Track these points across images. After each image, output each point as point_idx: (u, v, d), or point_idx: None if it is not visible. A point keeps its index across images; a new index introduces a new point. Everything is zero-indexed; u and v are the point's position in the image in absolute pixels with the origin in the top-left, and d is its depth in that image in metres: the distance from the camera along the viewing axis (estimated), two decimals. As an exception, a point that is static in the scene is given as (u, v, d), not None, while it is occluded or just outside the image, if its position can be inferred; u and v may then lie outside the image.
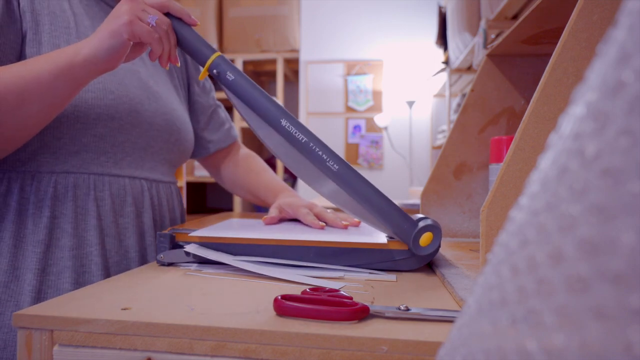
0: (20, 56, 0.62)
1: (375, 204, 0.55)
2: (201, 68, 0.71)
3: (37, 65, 0.55)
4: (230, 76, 0.58)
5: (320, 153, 0.55)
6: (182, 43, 0.61)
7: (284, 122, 0.56)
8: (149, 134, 0.73)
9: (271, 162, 3.40)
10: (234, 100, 0.58)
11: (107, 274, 0.67)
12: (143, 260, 0.73)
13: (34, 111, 0.56)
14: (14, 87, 0.54)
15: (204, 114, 0.93)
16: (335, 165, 0.55)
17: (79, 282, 0.65)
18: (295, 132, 0.56)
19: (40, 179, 0.64)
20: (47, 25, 0.64)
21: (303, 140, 0.56)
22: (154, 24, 0.57)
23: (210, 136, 0.94)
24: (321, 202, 2.13)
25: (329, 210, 0.74)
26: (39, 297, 0.62)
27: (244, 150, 1.01)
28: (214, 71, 0.58)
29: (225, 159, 0.98)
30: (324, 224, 0.70)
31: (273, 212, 0.76)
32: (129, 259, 0.71)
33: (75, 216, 0.65)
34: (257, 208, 3.23)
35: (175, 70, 0.87)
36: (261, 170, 0.96)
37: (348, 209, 0.57)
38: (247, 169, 0.96)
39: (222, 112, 0.98)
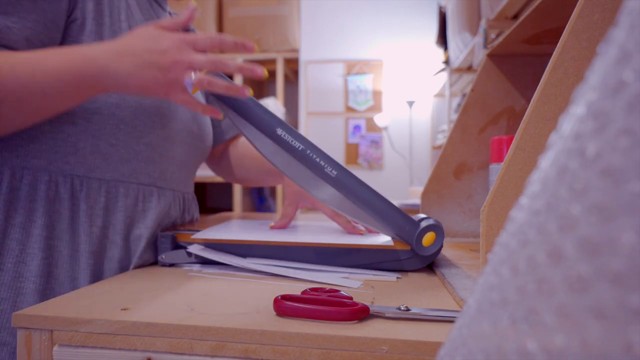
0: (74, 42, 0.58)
1: (376, 207, 0.55)
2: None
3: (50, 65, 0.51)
4: None
5: (317, 160, 0.55)
6: None
7: (279, 131, 0.56)
8: (186, 141, 0.71)
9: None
10: (228, 113, 0.57)
11: None
12: None
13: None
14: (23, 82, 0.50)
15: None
16: (333, 171, 0.55)
17: None
18: (292, 141, 0.56)
19: (90, 185, 0.60)
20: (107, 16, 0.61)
21: (300, 148, 0.56)
22: (191, 87, 0.53)
23: (222, 125, 0.90)
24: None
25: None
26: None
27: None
28: None
29: (229, 146, 0.95)
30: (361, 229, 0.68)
31: (289, 210, 0.72)
32: None
33: (124, 227, 0.62)
34: (257, 208, 3.23)
35: None
36: None
37: (348, 213, 0.56)
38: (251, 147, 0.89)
39: None
